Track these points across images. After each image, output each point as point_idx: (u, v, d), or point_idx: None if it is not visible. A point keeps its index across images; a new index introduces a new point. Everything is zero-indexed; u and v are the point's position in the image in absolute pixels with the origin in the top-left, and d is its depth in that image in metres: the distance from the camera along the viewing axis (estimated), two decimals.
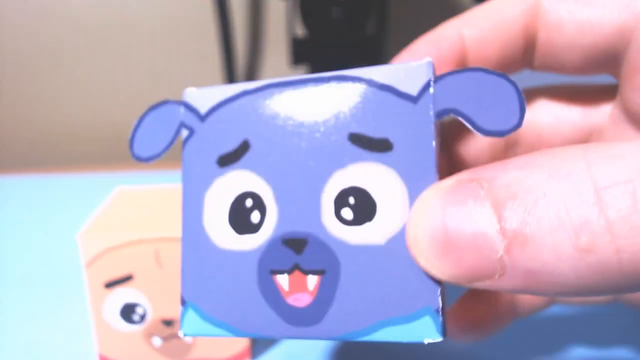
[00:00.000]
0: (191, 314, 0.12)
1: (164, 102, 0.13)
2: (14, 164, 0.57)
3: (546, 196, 0.09)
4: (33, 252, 0.29)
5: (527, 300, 0.17)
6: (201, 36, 0.56)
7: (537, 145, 0.15)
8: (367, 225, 0.11)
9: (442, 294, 0.11)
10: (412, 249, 0.10)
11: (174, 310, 0.18)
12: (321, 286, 0.11)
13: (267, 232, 0.12)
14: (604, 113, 0.15)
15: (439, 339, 0.10)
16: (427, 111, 0.11)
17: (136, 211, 0.19)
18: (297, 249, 0.11)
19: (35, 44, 0.56)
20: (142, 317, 0.18)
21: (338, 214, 0.11)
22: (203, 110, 0.12)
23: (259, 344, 0.20)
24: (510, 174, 0.09)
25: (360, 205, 0.11)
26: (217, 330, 0.12)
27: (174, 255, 0.18)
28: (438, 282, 0.11)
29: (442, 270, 0.10)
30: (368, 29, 0.52)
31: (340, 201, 0.11)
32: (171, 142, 0.13)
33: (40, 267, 0.27)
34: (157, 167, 0.45)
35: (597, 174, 0.09)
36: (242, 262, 0.12)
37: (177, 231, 0.18)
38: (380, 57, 0.51)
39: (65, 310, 0.23)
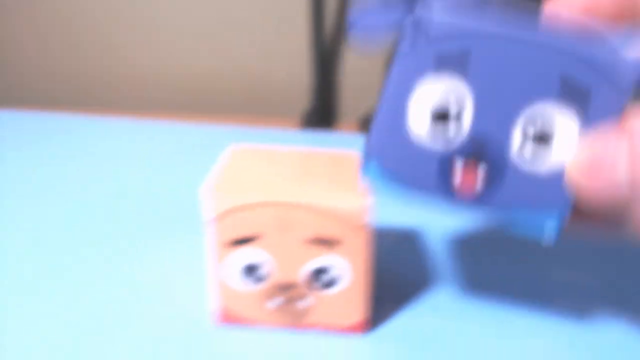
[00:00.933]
0: (372, 164, 0.15)
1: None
2: (129, 107, 0.58)
3: None
4: (152, 200, 0.29)
5: None
6: None
7: None
8: (538, 155, 0.14)
9: (568, 210, 0.14)
10: (568, 169, 0.13)
11: (294, 274, 0.18)
12: (486, 187, 0.14)
13: (458, 132, 0.14)
14: None
15: (556, 233, 0.14)
16: (626, 95, 0.13)
17: (259, 172, 0.19)
18: (479, 152, 0.14)
19: None
20: (263, 279, 0.18)
21: (521, 142, 0.14)
22: (433, 20, 0.14)
23: (375, 318, 0.20)
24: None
25: (540, 141, 0.13)
26: (392, 183, 0.15)
27: (299, 221, 0.17)
28: (569, 201, 0.14)
29: (581, 188, 0.13)
30: None
31: (527, 131, 0.13)
32: (392, 25, 0.14)
33: (159, 218, 0.27)
34: (261, 124, 0.45)
35: None
36: (428, 148, 0.14)
37: (303, 197, 0.17)
38: None
39: (184, 263, 0.23)
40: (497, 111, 0.14)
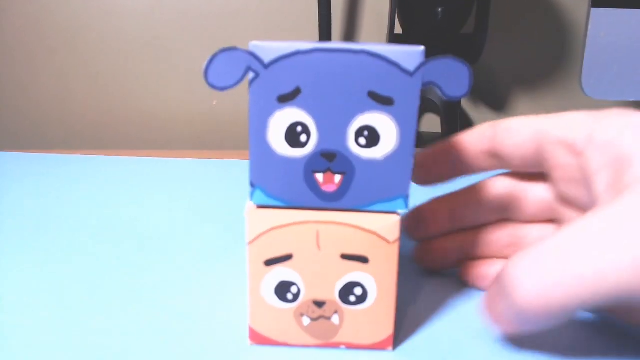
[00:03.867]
0: (258, 192, 0.18)
1: (235, 48, 0.17)
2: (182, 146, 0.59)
3: None
4: (203, 226, 0.30)
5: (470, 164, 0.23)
6: (301, 34, 0.57)
7: None
8: (373, 148, 0.18)
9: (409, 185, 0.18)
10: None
11: (326, 292, 0.19)
12: (343, 181, 0.18)
13: (310, 148, 0.18)
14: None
15: (405, 209, 0.18)
16: (418, 82, 0.17)
17: None
18: (330, 159, 0.18)
19: (153, 35, 0.58)
20: (296, 296, 0.19)
21: (357, 140, 0.17)
22: (267, 60, 0.17)
23: (402, 334, 0.21)
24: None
25: (370, 136, 0.17)
26: (275, 202, 0.18)
27: (333, 238, 0.18)
28: (408, 182, 0.18)
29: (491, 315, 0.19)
30: (466, 29, 0.51)
31: (359, 133, 0.17)
32: (241, 79, 0.17)
33: (207, 241, 0.28)
34: None
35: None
36: (293, 164, 0.18)
37: (339, 216, 0.18)
38: (477, 56, 0.51)
39: (227, 283, 0.25)
40: (333, 127, 0.17)
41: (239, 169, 0.43)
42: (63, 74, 0.59)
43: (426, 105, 0.60)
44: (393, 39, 0.50)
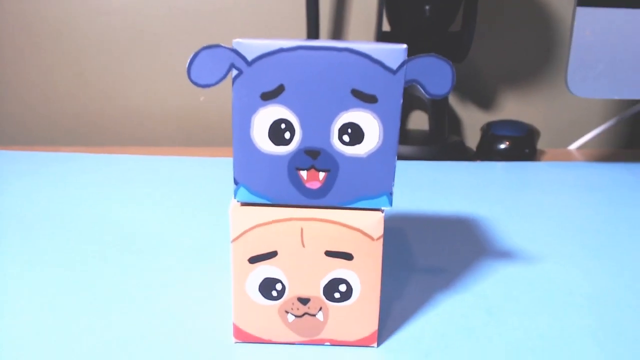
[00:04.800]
0: (242, 189, 0.18)
1: (217, 45, 0.17)
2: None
3: None
4: (189, 224, 0.30)
5: None
6: (289, 31, 0.57)
7: None
8: (357, 145, 0.18)
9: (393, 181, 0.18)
10: None
11: (311, 288, 0.19)
12: (327, 178, 0.18)
13: (294, 145, 0.18)
14: None
15: (389, 206, 0.18)
16: (401, 80, 0.17)
17: None
18: (314, 156, 0.18)
19: (140, 30, 0.58)
20: (280, 293, 0.19)
21: (340, 137, 0.17)
22: (250, 57, 0.17)
23: (386, 330, 0.21)
24: None
25: (354, 134, 0.17)
26: (259, 199, 0.18)
27: (318, 235, 0.18)
28: (392, 179, 0.18)
29: None
30: (454, 26, 0.52)
31: (343, 130, 0.17)
32: (224, 77, 0.17)
33: (190, 240, 0.28)
34: None
35: None
36: (277, 161, 0.18)
37: (323, 213, 0.18)
38: (465, 53, 0.51)
39: (211, 280, 0.25)
40: (316, 124, 0.17)
41: (226, 166, 0.43)
42: (49, 70, 0.59)
43: (413, 102, 0.60)
44: (381, 36, 0.50)
